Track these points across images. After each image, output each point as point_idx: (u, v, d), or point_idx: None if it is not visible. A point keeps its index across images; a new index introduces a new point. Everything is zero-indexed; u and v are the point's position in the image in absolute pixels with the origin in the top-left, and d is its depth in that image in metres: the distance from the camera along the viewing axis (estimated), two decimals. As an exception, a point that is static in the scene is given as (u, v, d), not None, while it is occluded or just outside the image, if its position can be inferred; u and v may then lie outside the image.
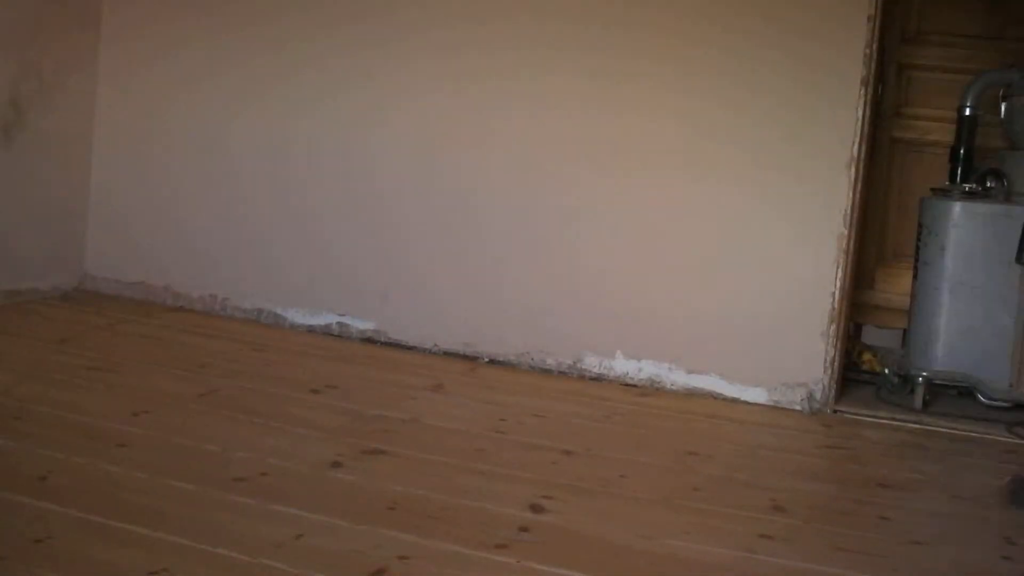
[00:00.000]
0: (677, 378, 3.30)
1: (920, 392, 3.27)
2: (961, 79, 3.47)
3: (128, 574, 1.76)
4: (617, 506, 2.29)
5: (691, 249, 3.28)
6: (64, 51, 3.71)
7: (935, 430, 3.10)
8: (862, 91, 3.10)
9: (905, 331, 3.52)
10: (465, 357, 3.48)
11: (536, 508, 2.20)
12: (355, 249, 3.61)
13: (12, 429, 2.39)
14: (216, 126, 3.75)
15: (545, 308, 3.42)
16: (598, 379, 3.36)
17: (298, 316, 3.68)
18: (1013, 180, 3.25)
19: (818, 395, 3.18)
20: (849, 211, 3.14)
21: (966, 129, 3.32)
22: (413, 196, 3.54)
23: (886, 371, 3.46)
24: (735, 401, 3.24)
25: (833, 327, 3.16)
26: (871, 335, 3.77)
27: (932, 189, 3.38)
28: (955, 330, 3.25)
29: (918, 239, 3.33)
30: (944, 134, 3.56)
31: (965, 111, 3.31)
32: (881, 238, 3.68)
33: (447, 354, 3.50)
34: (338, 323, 3.63)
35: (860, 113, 3.11)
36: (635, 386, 3.32)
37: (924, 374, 3.27)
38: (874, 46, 3.10)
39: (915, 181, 3.62)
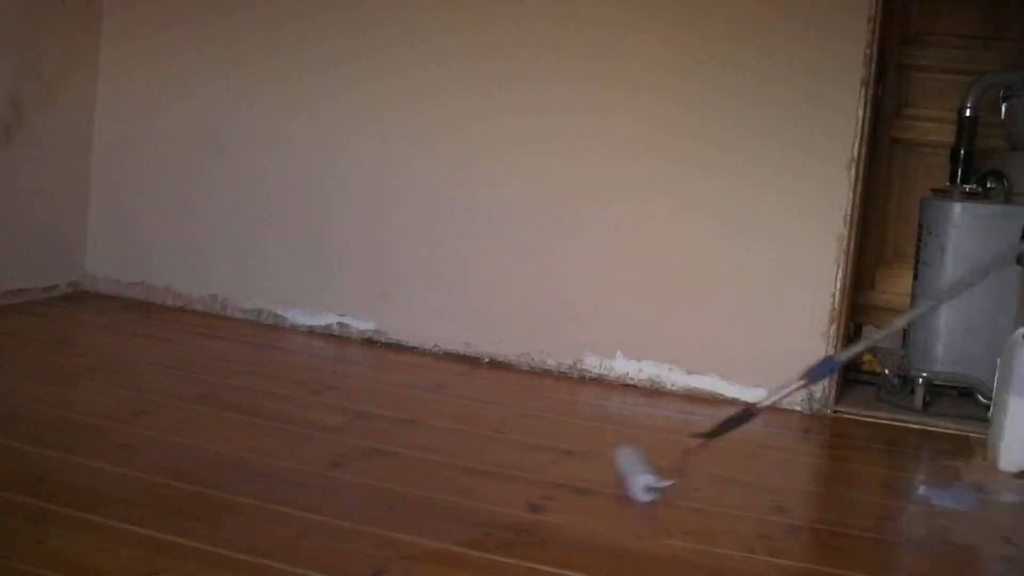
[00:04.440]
0: (677, 378, 3.30)
1: (920, 393, 3.27)
2: (961, 80, 3.47)
3: (128, 574, 1.76)
4: (617, 506, 2.29)
5: (691, 249, 3.28)
6: (64, 51, 3.71)
7: (935, 431, 3.10)
8: (862, 92, 3.10)
9: (905, 332, 3.52)
10: (465, 358, 3.48)
11: (536, 508, 2.20)
12: (355, 249, 3.61)
13: (12, 429, 2.39)
14: (216, 126, 3.75)
15: (545, 309, 3.42)
16: (598, 380, 3.36)
17: (298, 316, 3.68)
18: (1013, 181, 3.25)
19: (818, 396, 3.18)
20: (849, 212, 3.14)
21: (966, 130, 3.32)
22: (413, 196, 3.54)
23: (886, 372, 3.46)
24: (735, 401, 3.23)
25: (833, 327, 3.16)
26: (871, 335, 3.77)
27: (932, 190, 3.38)
28: (955, 331, 3.26)
29: (918, 240, 3.34)
30: (944, 135, 3.56)
31: (965, 112, 3.31)
32: (881, 238, 3.68)
33: (447, 355, 3.50)
34: (338, 323, 3.63)
35: (860, 114, 3.11)
36: (635, 386, 3.32)
37: (924, 375, 3.28)
38: (874, 47, 3.10)
39: (915, 182, 3.62)
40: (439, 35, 3.48)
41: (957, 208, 3.22)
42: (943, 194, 3.31)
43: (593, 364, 3.38)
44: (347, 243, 3.62)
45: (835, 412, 3.20)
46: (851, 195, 3.13)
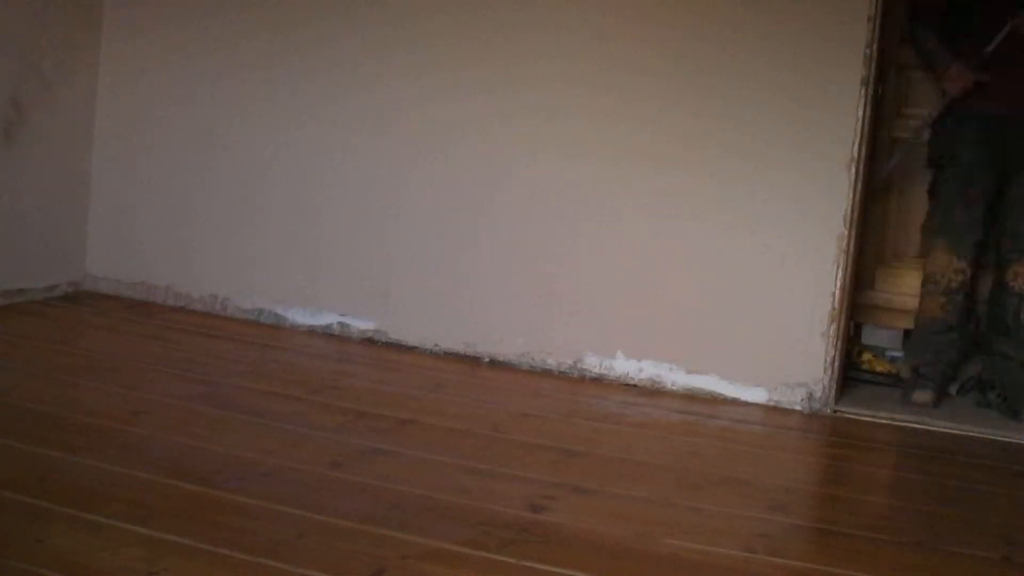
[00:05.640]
0: (677, 378, 3.30)
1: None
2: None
3: (128, 574, 1.76)
4: (617, 506, 2.29)
5: (691, 249, 3.28)
6: (65, 51, 3.71)
7: (935, 430, 3.10)
8: (862, 91, 3.10)
9: (907, 332, 3.53)
10: (465, 357, 3.48)
11: (536, 508, 2.21)
12: (356, 249, 3.61)
13: (12, 429, 2.39)
14: (217, 126, 3.75)
15: (546, 308, 3.42)
16: (598, 379, 3.36)
17: (299, 316, 3.68)
18: None
19: (818, 395, 3.18)
20: (849, 211, 3.14)
21: None
22: (413, 196, 3.54)
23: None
24: (735, 401, 3.24)
25: (833, 327, 3.16)
26: (871, 335, 3.77)
27: None
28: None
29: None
30: (944, 134, 3.56)
31: None
32: (881, 238, 3.67)
33: (448, 354, 3.50)
34: (339, 323, 3.64)
35: (860, 113, 3.11)
36: (635, 386, 3.32)
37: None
38: (874, 46, 3.10)
39: (915, 182, 3.62)
40: (440, 41, 3.48)
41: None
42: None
43: (593, 364, 3.38)
44: (347, 243, 3.62)
45: (835, 412, 3.19)
46: (851, 195, 3.13)
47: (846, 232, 3.14)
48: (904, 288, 3.51)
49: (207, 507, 2.06)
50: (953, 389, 3.40)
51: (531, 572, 1.91)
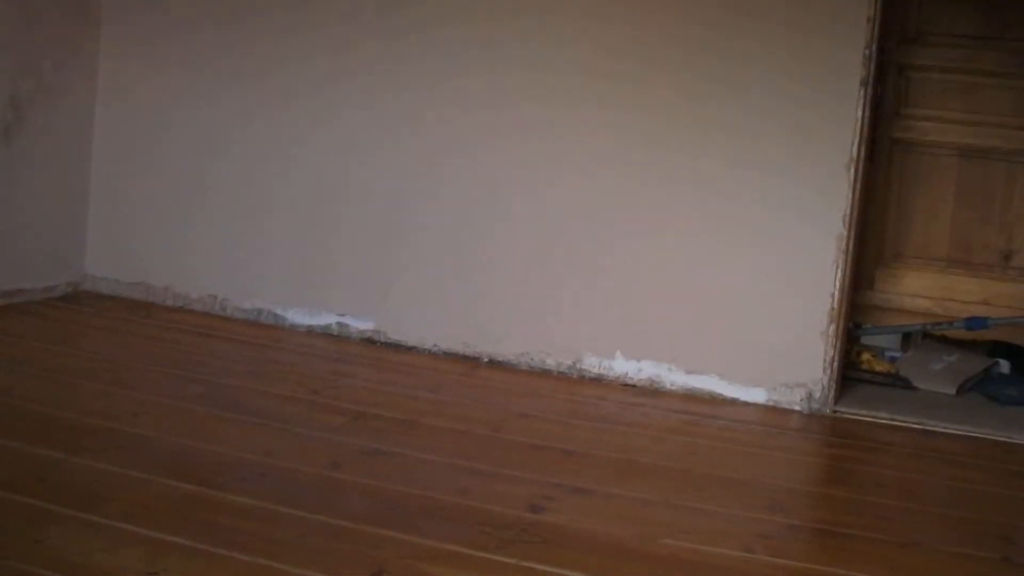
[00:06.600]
0: (677, 378, 3.30)
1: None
2: (961, 80, 3.47)
3: (128, 574, 1.76)
4: (617, 506, 2.29)
5: (691, 249, 3.28)
6: (64, 51, 3.71)
7: (935, 430, 3.10)
8: (862, 92, 3.10)
9: (905, 335, 3.53)
10: (465, 357, 3.48)
11: (536, 508, 2.21)
12: (355, 249, 3.61)
13: (12, 429, 2.39)
14: (216, 126, 3.75)
15: (545, 308, 3.42)
16: (598, 379, 3.36)
17: (298, 316, 3.68)
18: None
19: (817, 395, 3.18)
20: (848, 212, 3.14)
21: None
22: (413, 197, 3.54)
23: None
24: (734, 401, 3.24)
25: (832, 327, 3.16)
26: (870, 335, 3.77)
27: None
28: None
29: None
30: (943, 134, 3.57)
31: None
32: (880, 239, 3.68)
33: (447, 354, 3.50)
34: (338, 323, 3.63)
35: (860, 114, 3.11)
36: (635, 386, 3.32)
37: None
38: (874, 47, 3.10)
39: (915, 182, 3.62)
40: (444, 53, 3.47)
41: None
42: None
43: (593, 364, 3.38)
44: (347, 243, 3.62)
45: (834, 412, 3.20)
46: (850, 195, 3.13)
47: (845, 233, 3.14)
48: (903, 288, 3.51)
49: (206, 507, 2.06)
50: (953, 389, 3.41)
51: (531, 572, 1.91)
